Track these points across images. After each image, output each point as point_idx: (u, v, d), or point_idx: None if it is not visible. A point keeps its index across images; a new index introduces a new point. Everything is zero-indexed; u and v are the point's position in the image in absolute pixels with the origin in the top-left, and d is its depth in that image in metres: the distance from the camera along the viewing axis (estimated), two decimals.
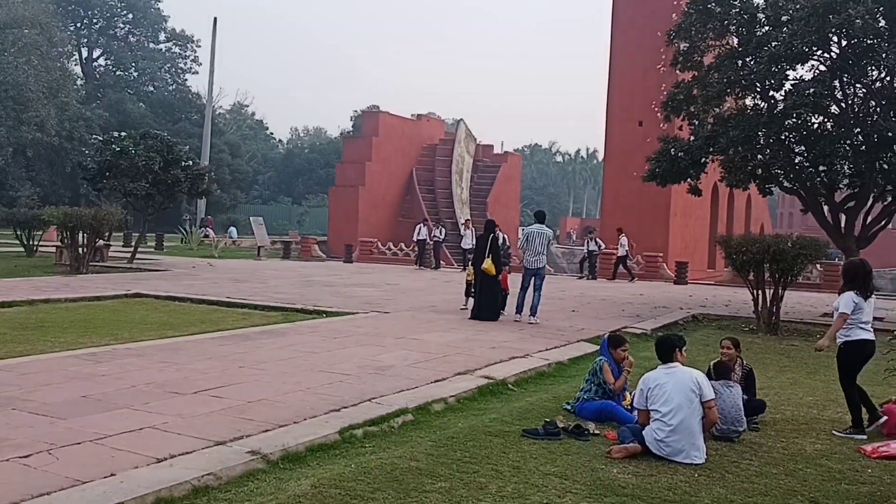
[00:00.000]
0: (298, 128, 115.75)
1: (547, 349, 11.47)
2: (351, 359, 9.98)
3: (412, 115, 52.22)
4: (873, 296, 7.75)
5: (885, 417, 7.60)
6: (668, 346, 6.87)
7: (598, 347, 12.09)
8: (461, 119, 52.36)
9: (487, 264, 14.36)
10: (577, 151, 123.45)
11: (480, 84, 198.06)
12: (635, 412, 7.09)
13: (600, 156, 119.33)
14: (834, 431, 7.54)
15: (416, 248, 32.41)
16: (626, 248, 28.59)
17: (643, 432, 6.54)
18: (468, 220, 35.26)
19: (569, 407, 8.00)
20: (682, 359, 7.05)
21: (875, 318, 17.74)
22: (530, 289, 14.48)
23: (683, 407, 6.42)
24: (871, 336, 7.59)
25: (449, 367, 9.63)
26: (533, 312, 14.40)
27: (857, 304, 7.51)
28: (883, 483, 6.11)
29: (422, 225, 32.46)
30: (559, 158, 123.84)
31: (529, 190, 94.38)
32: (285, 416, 7.02)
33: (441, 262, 32.71)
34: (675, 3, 30.45)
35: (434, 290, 21.13)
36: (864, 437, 7.32)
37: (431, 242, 31.71)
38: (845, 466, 6.53)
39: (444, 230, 33.24)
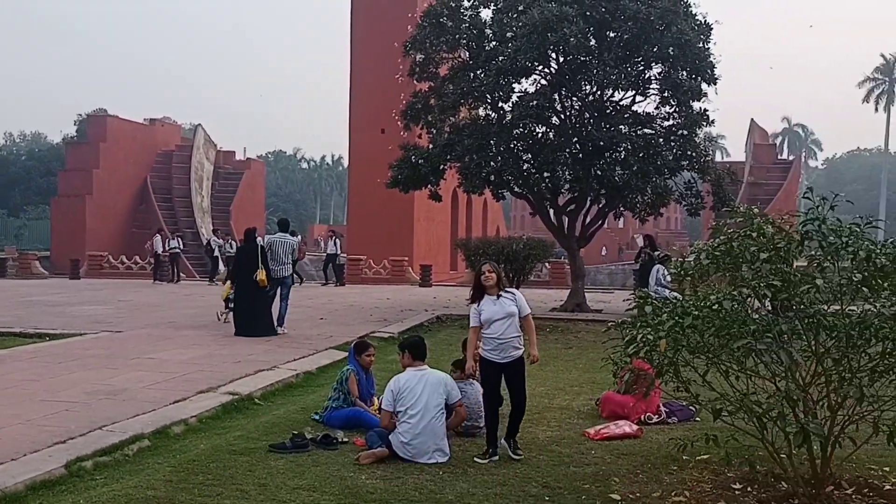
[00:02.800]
0: (13, 133, 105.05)
1: (295, 359, 11.32)
2: (78, 384, 9.19)
3: (145, 120, 49.41)
4: (505, 297, 6.93)
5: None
6: (421, 348, 7.03)
7: (347, 354, 12.19)
8: (199, 124, 50.35)
9: (261, 275, 13.73)
10: (323, 158, 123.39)
11: (220, 88, 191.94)
12: None
13: (346, 162, 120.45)
14: (476, 458, 6.76)
15: (153, 261, 30.60)
16: (335, 250, 28.89)
17: (390, 436, 6.65)
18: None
19: (317, 417, 7.95)
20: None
21: (594, 311, 19.40)
22: (276, 298, 14.23)
23: (430, 409, 6.60)
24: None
25: (190, 386, 9.19)
26: (280, 322, 14.16)
27: (477, 313, 6.88)
28: (605, 462, 6.70)
29: (158, 236, 30.76)
30: (305, 165, 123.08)
31: (275, 197, 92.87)
32: (1, 453, 6.30)
33: (182, 274, 31.20)
34: (410, 14, 31.41)
35: (173, 304, 20.10)
36: (496, 458, 6.75)
37: (167, 254, 30.08)
38: (573, 450, 7.08)
39: (181, 240, 31.71)
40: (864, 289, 5.03)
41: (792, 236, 5.38)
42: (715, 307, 5.13)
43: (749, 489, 5.95)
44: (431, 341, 14.07)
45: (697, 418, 8.23)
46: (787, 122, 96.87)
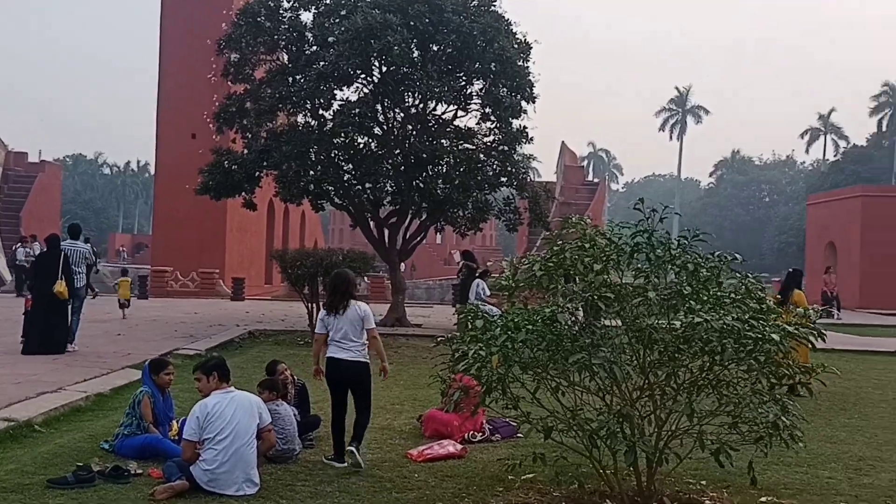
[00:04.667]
0: None
1: (85, 380, 10.12)
2: None
3: None
4: (353, 310, 6.89)
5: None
6: (226, 367, 6.33)
7: None
8: None
9: (60, 286, 12.22)
10: (128, 163, 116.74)
11: (12, 86, 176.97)
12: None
13: (153, 169, 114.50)
14: (324, 458, 6.88)
15: None
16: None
17: (192, 467, 5.90)
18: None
19: (107, 446, 7.03)
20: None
21: (414, 325, 19.13)
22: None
23: (241, 435, 5.93)
24: (344, 355, 6.81)
25: None
26: (70, 339, 12.77)
27: (322, 319, 6.92)
28: (429, 486, 6.31)
29: None
30: (107, 171, 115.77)
31: (73, 204, 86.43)
32: None
33: None
34: (225, 12, 30.04)
35: None
36: (343, 464, 6.71)
37: None
38: (394, 474, 6.63)
39: None
40: (691, 302, 4.95)
41: (623, 248, 5.25)
42: (548, 321, 4.88)
43: None
44: (242, 358, 13.29)
45: (520, 434, 8.05)
46: (592, 146, 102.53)
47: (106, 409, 8.94)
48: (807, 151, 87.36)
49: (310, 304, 15.45)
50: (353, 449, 6.71)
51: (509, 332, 4.94)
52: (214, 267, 31.43)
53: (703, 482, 6.40)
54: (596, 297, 4.87)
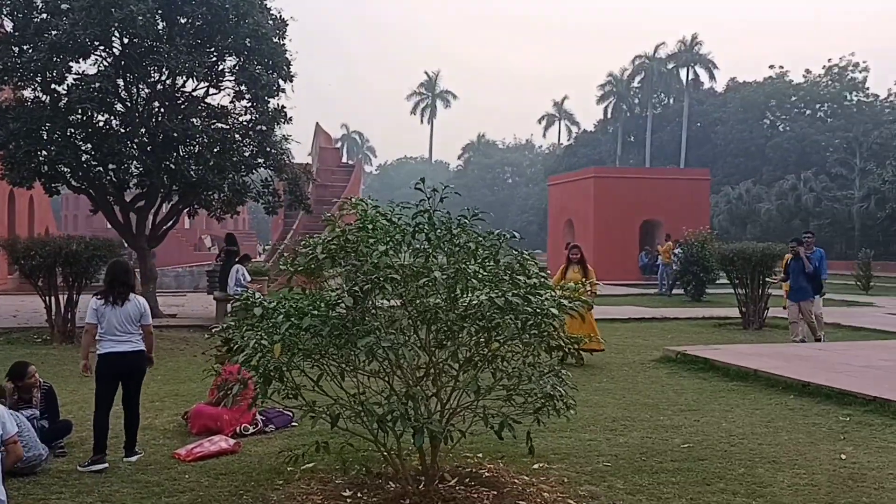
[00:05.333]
0: None
1: None
2: None
3: None
4: (133, 304, 6.70)
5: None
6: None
7: None
8: None
9: None
10: None
11: None
12: None
13: None
14: (79, 466, 6.33)
15: None
16: None
17: None
18: None
19: None
20: None
21: (168, 315, 18.08)
22: None
23: None
24: (124, 348, 6.58)
25: None
26: None
27: (97, 310, 6.56)
28: (202, 487, 5.93)
29: None
30: None
31: None
32: None
33: None
34: None
35: None
36: (104, 465, 6.31)
37: None
38: (162, 477, 6.17)
39: None
40: (473, 280, 5.01)
41: (406, 229, 5.20)
42: (332, 306, 4.71)
43: (360, 494, 5.67)
44: None
45: (295, 423, 7.82)
46: (346, 128, 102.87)
47: None
48: (544, 136, 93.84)
49: (48, 298, 14.01)
50: (132, 460, 6.50)
51: (292, 319, 4.71)
52: None
53: (480, 455, 6.59)
54: (382, 279, 4.78)
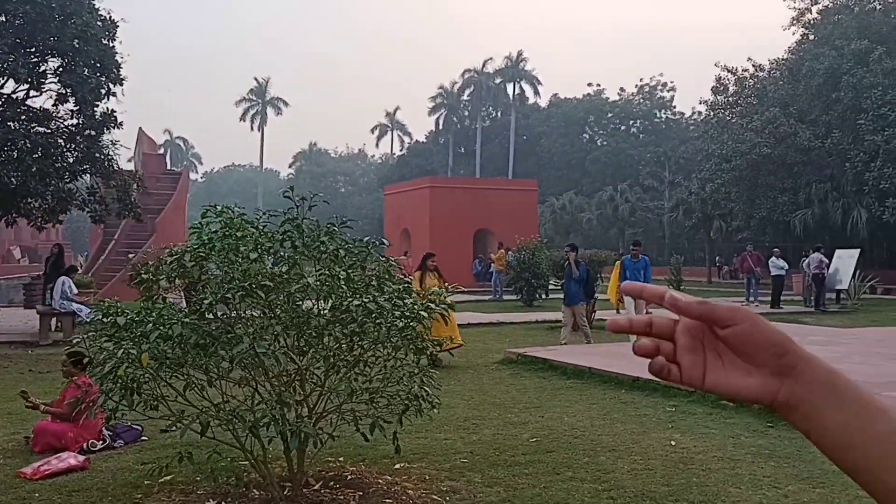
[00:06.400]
0: None
1: None
2: None
3: None
4: None
5: None
6: None
7: None
8: None
9: None
10: None
11: None
12: None
13: None
14: None
15: None
16: None
17: None
18: None
19: None
20: None
21: None
22: None
23: None
24: None
25: None
26: None
27: None
28: None
29: None
30: None
31: None
32: None
33: None
34: None
35: None
36: None
37: None
38: (12, 497, 5.88)
39: None
40: (343, 286, 5.17)
41: (273, 237, 5.28)
42: (203, 314, 4.73)
43: (224, 503, 5.67)
44: None
45: (145, 437, 7.62)
46: (168, 133, 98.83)
47: None
48: (377, 145, 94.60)
49: None
50: None
51: (161, 328, 4.69)
52: None
53: (342, 458, 6.72)
54: (254, 286, 4.84)
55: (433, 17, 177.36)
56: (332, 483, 6.02)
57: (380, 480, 6.12)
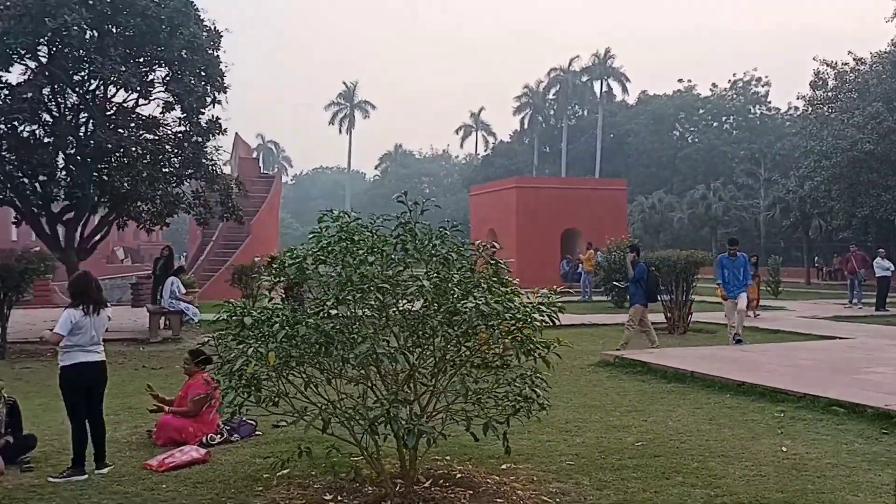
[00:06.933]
0: None
1: None
2: None
3: None
4: (104, 313, 6.89)
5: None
6: None
7: None
8: None
9: None
10: None
11: None
12: None
13: None
14: (50, 478, 6.41)
15: None
16: None
17: None
18: None
19: None
20: None
21: None
22: None
23: None
24: (94, 358, 6.77)
25: None
26: None
27: (76, 322, 6.59)
28: (182, 496, 6.01)
29: None
30: None
31: None
32: None
33: None
34: None
35: None
36: (84, 476, 6.46)
37: None
38: (140, 487, 6.23)
39: None
40: (455, 289, 5.29)
41: (388, 241, 5.45)
42: (325, 315, 4.92)
43: (340, 498, 5.87)
44: None
45: (259, 432, 7.94)
46: (261, 138, 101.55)
47: None
48: (461, 146, 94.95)
49: None
50: (104, 472, 6.55)
51: (286, 328, 4.90)
52: None
53: (448, 457, 6.86)
54: (373, 288, 5.01)
55: (517, 18, 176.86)
56: (441, 481, 6.15)
57: (488, 480, 6.23)
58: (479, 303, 5.04)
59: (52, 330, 6.77)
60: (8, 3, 14.21)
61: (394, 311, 5.39)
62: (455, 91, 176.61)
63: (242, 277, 19.43)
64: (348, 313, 4.99)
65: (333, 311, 5.25)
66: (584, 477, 6.38)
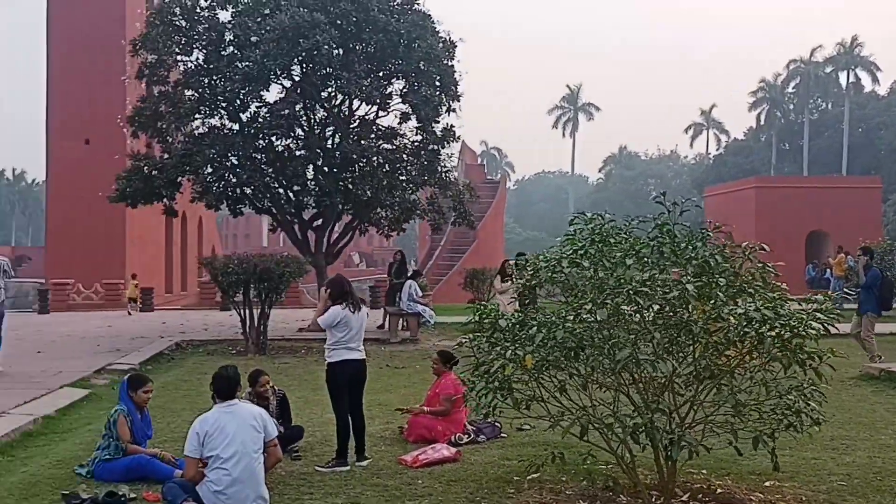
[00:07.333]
0: None
1: (26, 402, 9.44)
2: None
3: None
4: (364, 309, 7.25)
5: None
6: (228, 382, 5.94)
7: (87, 392, 10.52)
8: None
9: None
10: (2, 172, 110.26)
11: None
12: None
13: (31, 177, 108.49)
14: (317, 467, 6.81)
15: None
16: None
17: (198, 487, 5.57)
18: None
19: (83, 471, 6.54)
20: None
21: None
22: None
23: (248, 451, 5.60)
24: (357, 356, 7.05)
25: None
26: None
27: (342, 318, 6.91)
28: (438, 493, 6.15)
29: None
30: None
31: None
32: None
33: None
34: (123, 11, 28.71)
35: None
36: (346, 467, 6.78)
37: None
38: (397, 481, 6.46)
39: None
40: (719, 294, 5.01)
41: (647, 243, 5.27)
42: (588, 318, 4.84)
43: None
44: (181, 371, 12.74)
45: (504, 434, 8.01)
46: (484, 144, 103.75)
47: (59, 432, 8.37)
48: (690, 145, 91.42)
49: (243, 312, 14.93)
50: (364, 464, 6.90)
51: (546, 331, 4.87)
52: (115, 277, 30.05)
53: (705, 471, 6.52)
54: (632, 292, 4.86)
55: (749, 11, 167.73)
56: (700, 496, 5.85)
57: (751, 498, 5.84)
58: (749, 308, 4.73)
59: (315, 319, 7.18)
60: (268, 28, 15.49)
61: (652, 316, 5.20)
62: (683, 89, 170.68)
63: (474, 281, 19.86)
64: (606, 317, 4.86)
65: (586, 315, 5.15)
66: (861, 500, 5.82)
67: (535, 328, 4.93)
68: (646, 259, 5.40)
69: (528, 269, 5.51)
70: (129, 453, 6.57)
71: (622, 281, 4.98)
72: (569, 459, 6.02)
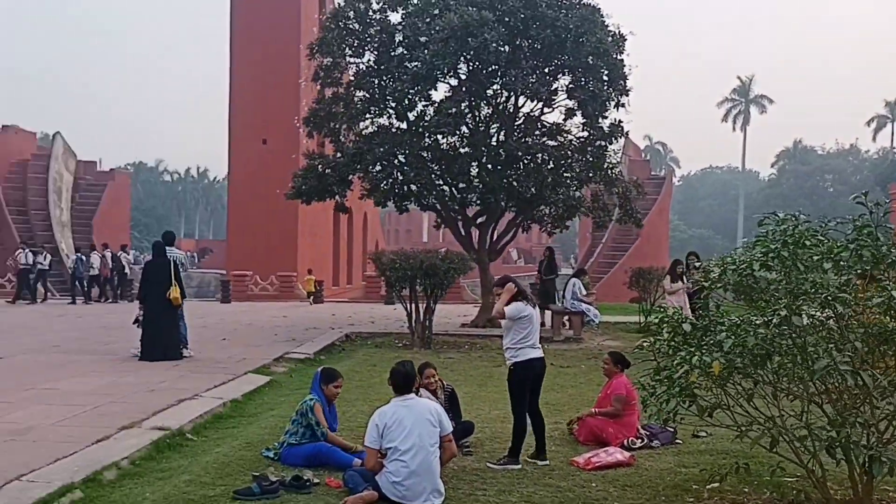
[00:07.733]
0: None
1: (215, 386, 10.11)
2: None
3: None
4: (536, 309, 7.26)
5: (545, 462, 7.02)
6: (405, 377, 6.12)
7: (268, 378, 11.11)
8: (58, 132, 46.80)
9: (175, 293, 12.36)
10: (188, 170, 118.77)
11: (72, 95, 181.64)
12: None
13: (212, 175, 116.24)
14: (488, 464, 6.84)
15: (16, 279, 27.57)
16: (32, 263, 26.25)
17: (377, 477, 5.76)
18: (104, 243, 31.04)
19: (271, 454, 6.92)
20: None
21: None
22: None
23: (425, 444, 5.74)
24: (539, 354, 7.10)
25: (107, 421, 7.91)
26: (184, 344, 12.86)
27: (525, 312, 6.93)
28: (613, 497, 6.04)
29: (26, 250, 27.53)
30: (167, 178, 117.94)
31: (136, 211, 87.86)
32: None
33: (47, 293, 28.52)
34: (298, 19, 30.18)
35: (49, 327, 18.11)
36: (518, 466, 6.77)
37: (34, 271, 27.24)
38: (570, 483, 6.40)
39: (48, 256, 28.83)
40: None
41: (846, 246, 4.94)
42: (782, 325, 4.59)
43: None
44: (352, 362, 13.19)
45: (679, 440, 7.77)
46: (648, 139, 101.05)
47: (245, 416, 8.90)
48: (873, 139, 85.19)
49: (409, 306, 15.31)
50: (542, 464, 6.90)
51: (736, 337, 4.67)
52: (286, 270, 31.65)
53: None
54: (831, 298, 4.57)
55: None
56: None
57: None
58: None
59: (501, 309, 7.07)
60: (437, 28, 15.76)
61: (851, 323, 4.87)
62: (865, 78, 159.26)
63: (640, 280, 19.39)
64: (802, 324, 4.58)
65: (778, 321, 4.89)
66: None
67: (724, 334, 4.73)
68: (842, 263, 5.07)
69: (713, 270, 5.29)
70: (329, 440, 6.86)
71: (818, 285, 4.69)
72: (752, 470, 5.76)
